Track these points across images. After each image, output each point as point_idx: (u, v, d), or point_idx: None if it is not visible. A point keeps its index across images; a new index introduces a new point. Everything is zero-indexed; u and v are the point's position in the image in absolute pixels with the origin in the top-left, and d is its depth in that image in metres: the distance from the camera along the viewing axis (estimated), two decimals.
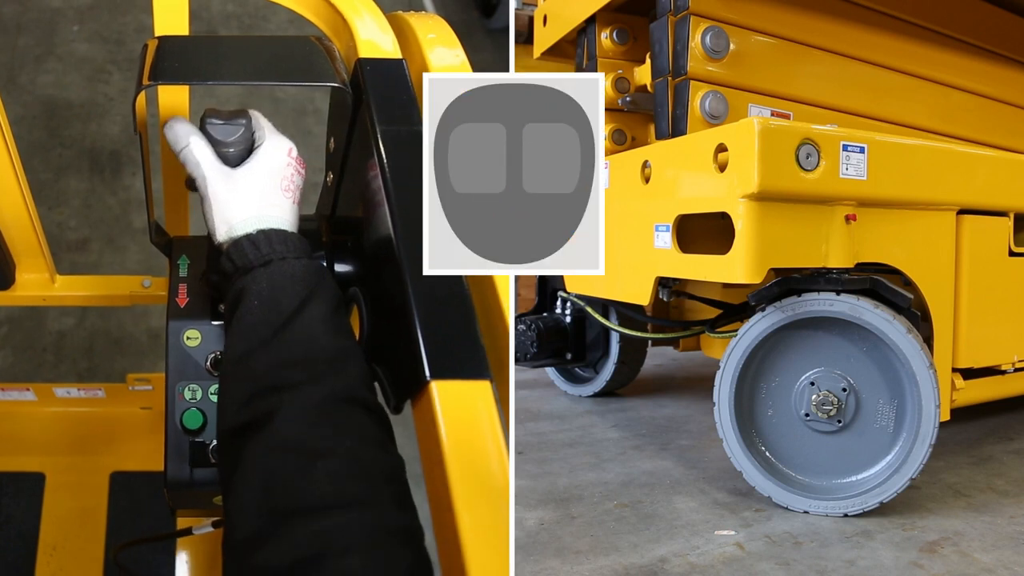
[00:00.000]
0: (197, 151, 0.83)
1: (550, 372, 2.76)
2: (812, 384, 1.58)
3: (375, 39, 0.91)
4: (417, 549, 0.63)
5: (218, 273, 0.81)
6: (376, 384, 0.77)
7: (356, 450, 0.66)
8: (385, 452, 0.68)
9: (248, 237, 0.79)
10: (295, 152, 0.86)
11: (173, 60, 0.86)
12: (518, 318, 2.52)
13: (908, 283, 1.63)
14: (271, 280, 0.76)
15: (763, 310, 1.57)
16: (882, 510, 1.54)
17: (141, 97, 0.86)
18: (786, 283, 1.56)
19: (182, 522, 1.06)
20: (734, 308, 2.02)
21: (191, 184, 0.88)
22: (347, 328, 0.77)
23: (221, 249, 0.81)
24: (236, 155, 0.85)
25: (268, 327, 0.73)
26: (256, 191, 0.82)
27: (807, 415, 1.59)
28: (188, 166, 0.84)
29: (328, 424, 0.67)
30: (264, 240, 0.79)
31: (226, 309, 0.79)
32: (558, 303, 2.53)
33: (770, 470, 1.61)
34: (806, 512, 1.56)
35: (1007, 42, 2.30)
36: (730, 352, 1.60)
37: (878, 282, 1.54)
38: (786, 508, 1.58)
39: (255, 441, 0.67)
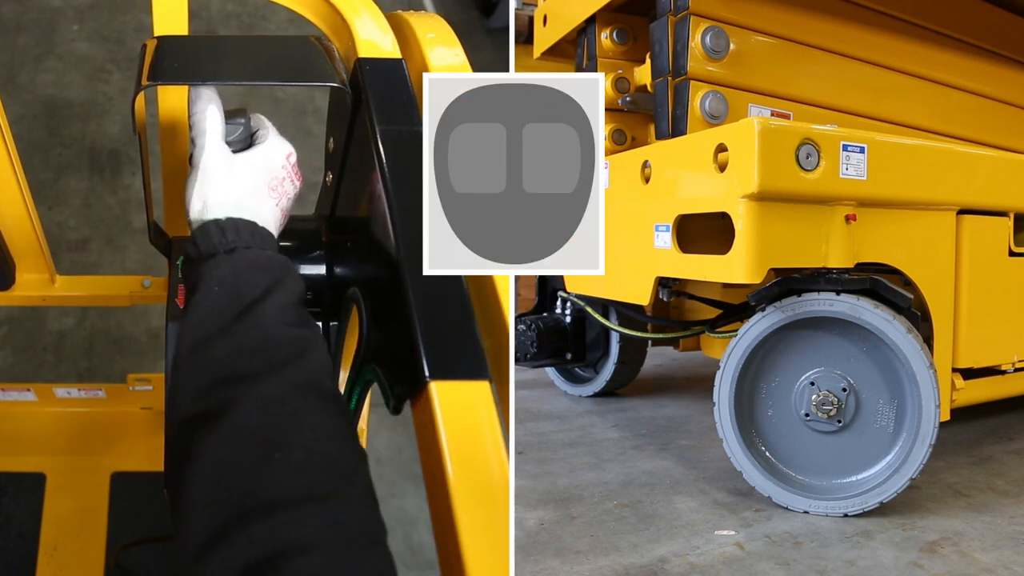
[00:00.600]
0: (211, 120, 0.82)
1: (550, 372, 2.76)
2: (812, 384, 1.58)
3: (375, 39, 0.91)
4: (383, 548, 0.59)
5: (184, 261, 0.79)
6: (375, 384, 0.77)
7: (317, 441, 0.62)
8: (348, 445, 0.65)
9: (216, 222, 0.77)
10: (295, 158, 0.86)
11: (172, 60, 0.86)
12: (518, 318, 2.52)
13: (908, 283, 1.63)
14: (234, 267, 0.74)
15: (763, 310, 1.57)
16: (882, 510, 1.54)
17: (140, 97, 0.86)
18: (786, 283, 1.56)
19: None
20: (734, 308, 2.02)
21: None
22: (310, 319, 0.74)
23: (190, 230, 0.79)
24: (233, 152, 0.85)
25: (227, 314, 0.70)
26: (245, 180, 0.81)
27: (807, 415, 1.59)
28: (194, 129, 0.82)
29: (287, 414, 0.63)
30: (232, 228, 0.77)
31: (186, 296, 0.76)
32: (558, 303, 2.53)
33: (770, 470, 1.61)
34: (806, 512, 1.56)
35: (1007, 42, 2.30)
36: (730, 352, 1.60)
37: (878, 282, 1.54)
38: (786, 508, 1.58)
39: (209, 431, 0.63)
